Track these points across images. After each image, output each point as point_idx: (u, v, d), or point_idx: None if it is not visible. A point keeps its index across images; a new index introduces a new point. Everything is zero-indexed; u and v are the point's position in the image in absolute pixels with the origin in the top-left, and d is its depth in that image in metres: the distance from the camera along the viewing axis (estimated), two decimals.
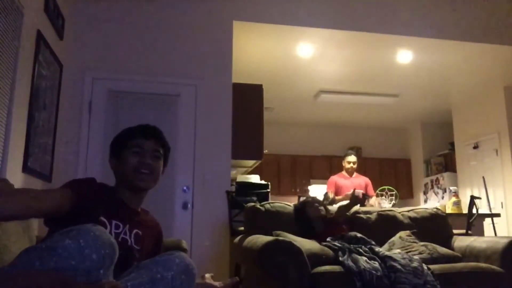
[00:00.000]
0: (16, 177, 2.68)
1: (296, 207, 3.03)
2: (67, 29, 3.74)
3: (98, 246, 1.15)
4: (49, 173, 3.38)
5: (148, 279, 1.31)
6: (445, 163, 7.86)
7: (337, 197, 5.09)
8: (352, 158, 5.34)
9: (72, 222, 1.30)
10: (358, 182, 5.21)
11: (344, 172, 5.40)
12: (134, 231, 1.60)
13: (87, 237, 1.15)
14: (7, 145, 2.56)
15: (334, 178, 5.37)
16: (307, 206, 2.93)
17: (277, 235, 2.56)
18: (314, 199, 3.05)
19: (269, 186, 4.33)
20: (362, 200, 3.36)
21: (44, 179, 3.28)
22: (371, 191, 5.19)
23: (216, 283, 1.65)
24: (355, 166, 5.33)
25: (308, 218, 2.87)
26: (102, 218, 1.52)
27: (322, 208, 2.91)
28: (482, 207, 5.01)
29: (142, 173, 1.60)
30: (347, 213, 3.09)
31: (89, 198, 1.50)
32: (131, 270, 1.36)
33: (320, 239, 2.63)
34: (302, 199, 3.35)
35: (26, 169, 2.84)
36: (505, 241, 2.63)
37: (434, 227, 3.13)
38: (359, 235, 2.68)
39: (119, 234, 1.55)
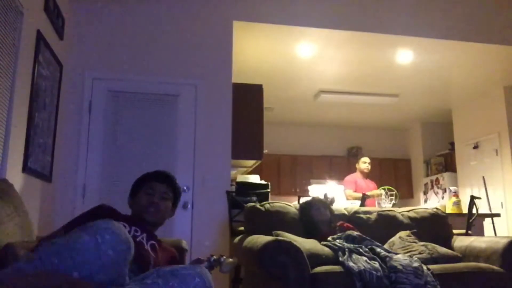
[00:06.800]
0: (16, 177, 2.68)
1: (301, 206, 3.01)
2: (67, 29, 3.74)
3: (115, 243, 1.20)
4: (49, 173, 3.38)
5: None
6: (445, 163, 7.86)
7: (354, 195, 5.16)
8: (367, 158, 5.64)
9: None
10: (371, 185, 5.47)
11: (359, 173, 5.60)
12: (150, 241, 1.76)
13: (104, 233, 1.19)
14: (7, 145, 2.56)
15: (354, 177, 5.59)
16: (313, 209, 2.91)
17: (277, 235, 2.56)
18: (320, 202, 3.01)
19: (269, 186, 4.32)
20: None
21: (44, 179, 3.28)
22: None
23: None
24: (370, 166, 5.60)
25: (312, 219, 2.86)
26: (122, 222, 1.61)
27: (327, 213, 2.90)
28: (482, 207, 5.01)
29: (150, 210, 1.85)
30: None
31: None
32: (148, 275, 1.31)
33: (323, 240, 2.62)
34: (306, 199, 3.33)
35: (26, 169, 2.83)
36: (505, 241, 2.63)
37: (434, 227, 3.13)
38: (355, 233, 2.67)
39: (137, 237, 1.71)
